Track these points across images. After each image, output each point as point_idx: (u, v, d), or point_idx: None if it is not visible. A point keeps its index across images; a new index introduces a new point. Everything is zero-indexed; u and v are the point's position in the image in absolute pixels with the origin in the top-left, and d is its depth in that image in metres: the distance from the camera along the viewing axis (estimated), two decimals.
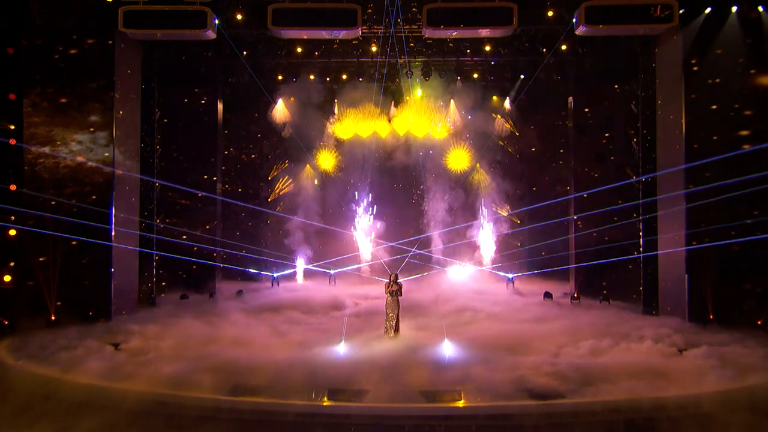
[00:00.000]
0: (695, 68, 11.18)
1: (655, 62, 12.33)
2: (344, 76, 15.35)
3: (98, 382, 7.39)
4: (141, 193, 12.96)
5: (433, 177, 17.86)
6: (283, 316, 11.89)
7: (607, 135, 14.28)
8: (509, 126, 17.51)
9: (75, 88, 11.52)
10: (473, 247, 17.48)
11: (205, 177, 15.18)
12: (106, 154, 11.65)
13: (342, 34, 12.09)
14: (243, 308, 12.57)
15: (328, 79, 15.67)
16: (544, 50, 13.91)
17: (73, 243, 11.32)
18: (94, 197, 11.57)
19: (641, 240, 12.92)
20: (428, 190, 17.88)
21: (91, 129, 11.63)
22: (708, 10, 11.04)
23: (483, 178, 17.56)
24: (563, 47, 13.42)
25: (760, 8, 10.84)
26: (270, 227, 17.80)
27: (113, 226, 11.64)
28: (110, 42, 11.60)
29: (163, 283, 14.47)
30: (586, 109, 14.54)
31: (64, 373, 7.68)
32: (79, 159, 11.52)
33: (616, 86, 14.08)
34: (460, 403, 7.02)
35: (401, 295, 10.21)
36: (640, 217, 12.95)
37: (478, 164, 17.52)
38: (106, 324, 10.90)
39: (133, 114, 12.58)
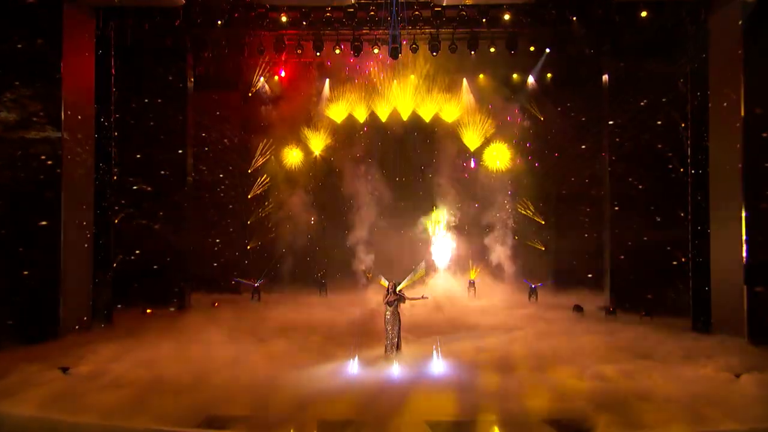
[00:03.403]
0: (758, 37, 10.96)
1: (707, 32, 12.20)
2: (337, 51, 15.26)
3: (42, 413, 7.27)
4: (96, 185, 12.83)
5: (442, 167, 17.82)
6: (265, 332, 11.81)
7: (649, 120, 14.16)
8: (532, 109, 17.43)
9: (14, 59, 11.33)
10: (490, 252, 17.43)
11: (172, 168, 15.09)
12: (55, 134, 11.44)
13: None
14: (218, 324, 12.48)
15: (318, 54, 15.59)
16: (574, 19, 13.81)
17: (11, 244, 11.18)
18: (37, 187, 11.35)
19: (690, 244, 12.81)
20: (437, 184, 17.84)
21: (33, 107, 11.47)
22: None
23: (502, 170, 17.49)
24: (597, 15, 13.34)
25: None
26: (252, 226, 17.74)
27: (62, 224, 11.51)
28: (58, 8, 11.47)
29: (122, 295, 14.35)
30: (624, 89, 14.41)
31: None
32: (21, 135, 11.31)
33: (660, 62, 13.97)
34: None
35: (401, 302, 10.08)
36: (689, 218, 12.83)
37: (494, 152, 17.46)
38: (53, 344, 10.75)
39: (86, 92, 12.45)
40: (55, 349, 10.39)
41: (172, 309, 14.67)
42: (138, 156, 14.75)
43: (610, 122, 14.62)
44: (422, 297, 10.88)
